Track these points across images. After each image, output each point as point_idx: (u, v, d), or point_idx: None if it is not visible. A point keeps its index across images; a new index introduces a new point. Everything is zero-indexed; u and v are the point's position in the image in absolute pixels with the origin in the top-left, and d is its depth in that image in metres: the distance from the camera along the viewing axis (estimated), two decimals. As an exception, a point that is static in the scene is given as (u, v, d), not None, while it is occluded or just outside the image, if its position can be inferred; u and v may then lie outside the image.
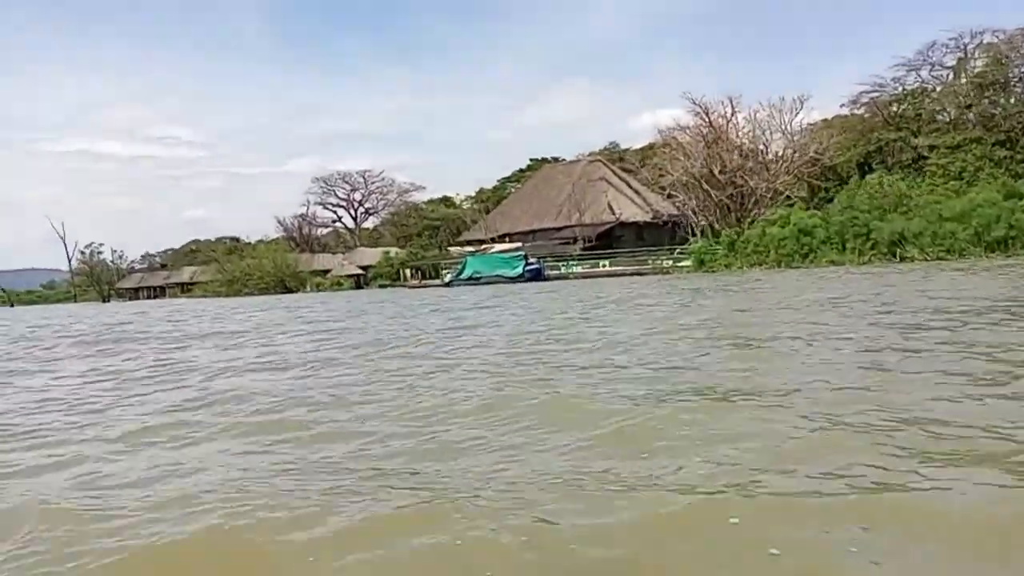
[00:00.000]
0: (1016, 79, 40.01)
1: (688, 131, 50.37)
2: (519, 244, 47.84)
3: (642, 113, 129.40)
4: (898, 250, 30.10)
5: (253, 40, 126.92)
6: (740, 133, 49.08)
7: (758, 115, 49.42)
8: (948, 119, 45.94)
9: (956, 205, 29.63)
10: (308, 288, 58.70)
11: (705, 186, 47.23)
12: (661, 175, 50.66)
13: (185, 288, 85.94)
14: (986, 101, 42.11)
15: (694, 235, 50.49)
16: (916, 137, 45.75)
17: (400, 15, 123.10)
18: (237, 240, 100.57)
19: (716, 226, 48.76)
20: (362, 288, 57.83)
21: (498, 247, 47.32)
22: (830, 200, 47.01)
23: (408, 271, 60.06)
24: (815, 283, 18.12)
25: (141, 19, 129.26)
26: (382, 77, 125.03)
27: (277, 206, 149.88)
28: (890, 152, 48.22)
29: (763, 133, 48.53)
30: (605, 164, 59.86)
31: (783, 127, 47.99)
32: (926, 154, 46.15)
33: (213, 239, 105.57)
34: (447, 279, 44.38)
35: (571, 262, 44.34)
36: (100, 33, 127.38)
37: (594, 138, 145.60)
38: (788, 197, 46.45)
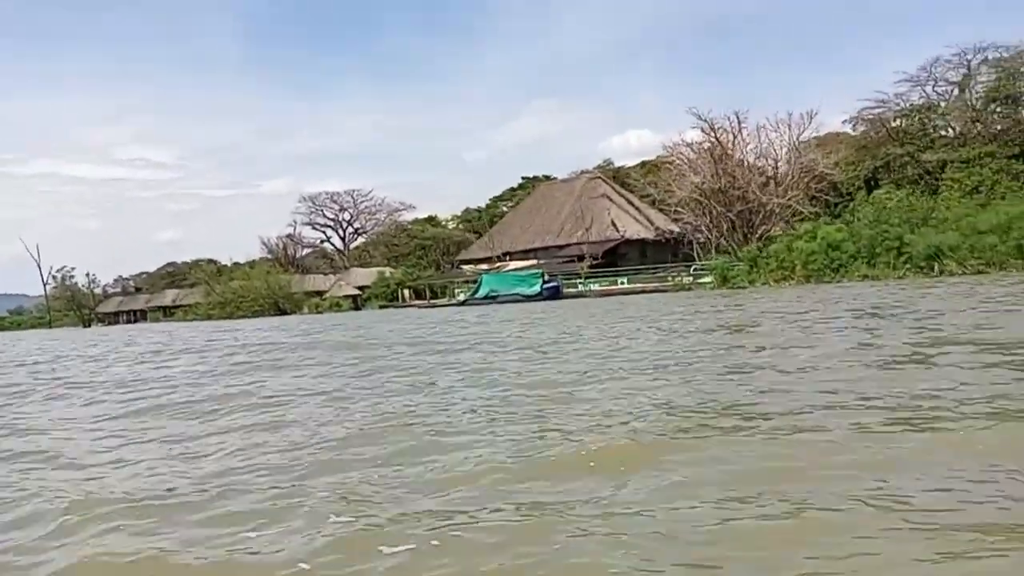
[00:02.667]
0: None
1: (693, 147, 50.06)
2: (534, 261, 46.86)
3: (614, 134, 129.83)
4: (936, 264, 29.62)
5: (228, 60, 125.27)
6: (746, 149, 48.86)
7: (763, 131, 49.34)
8: (954, 134, 46.08)
9: (991, 218, 29.23)
10: (305, 310, 57.01)
11: (713, 203, 46.79)
12: (668, 192, 50.15)
13: (167, 312, 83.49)
14: (997, 115, 42.26)
15: (702, 251, 50.07)
16: (923, 152, 45.74)
17: (374, 36, 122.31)
18: (215, 262, 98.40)
19: (724, 243, 48.37)
20: (360, 309, 56.28)
21: (513, 265, 46.29)
22: (837, 216, 46.73)
23: (406, 291, 58.70)
24: (921, 296, 17.27)
25: (114, 39, 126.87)
26: (357, 98, 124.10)
27: (252, 227, 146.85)
28: (896, 167, 48.21)
29: (771, 148, 48.25)
30: (605, 181, 59.34)
31: (791, 143, 47.74)
32: (931, 169, 46.24)
33: (190, 261, 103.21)
34: (461, 298, 43.22)
35: (588, 280, 43.42)
36: (71, 53, 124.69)
37: (568, 158, 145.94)
38: (797, 213, 46.15)
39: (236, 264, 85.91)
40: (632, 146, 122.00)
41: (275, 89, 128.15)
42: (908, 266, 30.71)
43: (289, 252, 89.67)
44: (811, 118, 47.82)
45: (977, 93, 44.65)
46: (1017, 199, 31.92)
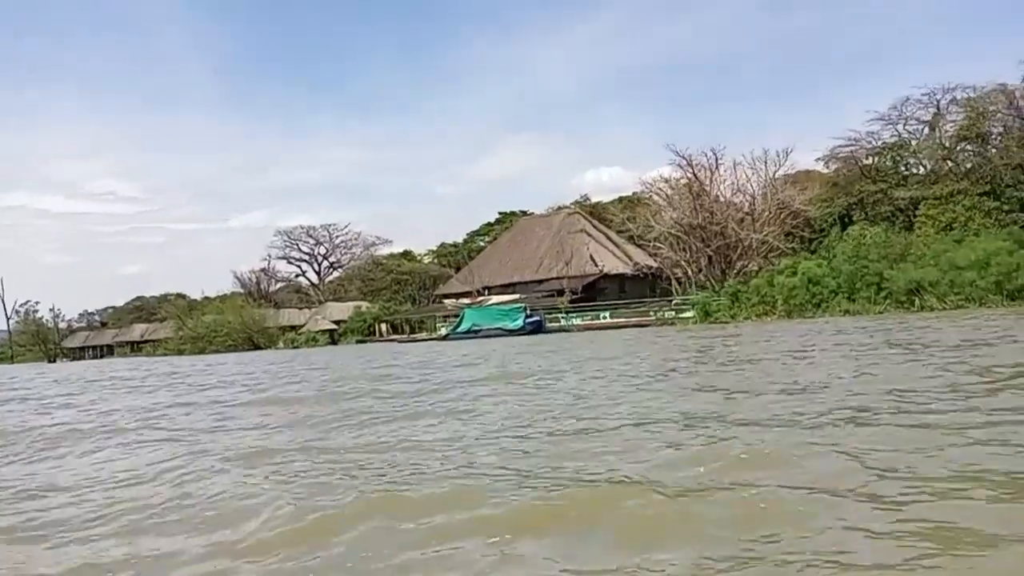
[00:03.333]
0: (996, 133, 41.19)
1: (671, 183, 50.52)
2: (516, 296, 46.57)
3: (586, 170, 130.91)
4: (916, 299, 29.87)
5: (204, 96, 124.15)
6: (723, 185, 49.38)
7: (739, 168, 49.97)
8: (925, 171, 47.01)
9: (969, 254, 29.61)
10: (281, 344, 55.97)
11: (692, 238, 47.07)
12: (648, 227, 50.38)
13: (135, 347, 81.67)
14: (967, 153, 43.24)
15: (679, 286, 50.23)
16: (896, 189, 46.56)
17: (349, 72, 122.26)
18: (184, 296, 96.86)
19: (702, 278, 48.57)
20: (337, 343, 55.42)
21: (495, 299, 45.94)
22: (813, 251, 47.22)
23: (383, 326, 58.07)
24: (907, 330, 17.23)
25: (92, 74, 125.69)
26: (331, 132, 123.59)
27: (223, 261, 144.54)
28: (869, 204, 48.99)
29: (747, 185, 48.83)
30: (584, 216, 59.53)
31: (767, 179, 48.37)
32: (903, 207, 47.05)
33: (159, 295, 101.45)
34: (443, 332, 42.69)
35: (570, 314, 43.19)
36: (49, 86, 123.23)
37: (541, 193, 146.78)
38: (774, 248, 46.57)
39: (207, 298, 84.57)
40: (604, 182, 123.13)
41: (250, 124, 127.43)
42: (888, 301, 30.95)
43: (262, 286, 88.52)
44: (786, 155, 48.62)
45: (947, 132, 45.66)
46: (991, 236, 32.38)
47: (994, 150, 40.61)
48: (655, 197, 52.45)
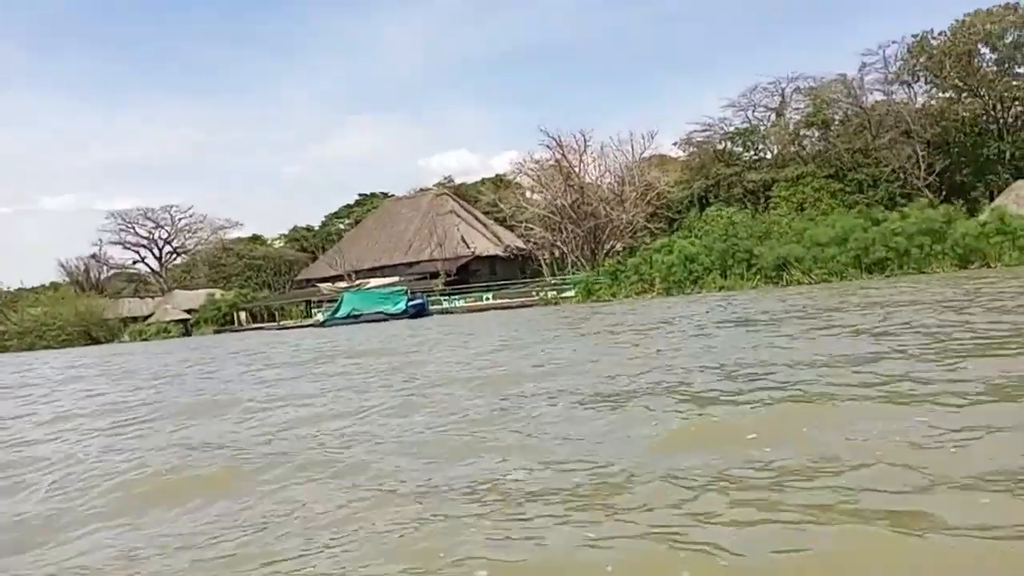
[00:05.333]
0: (838, 120, 44.82)
1: (541, 164, 50.99)
2: (396, 278, 45.08)
3: (434, 153, 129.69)
4: (784, 274, 31.85)
5: (7, 66, 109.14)
6: (593, 167, 50.48)
7: (607, 150, 51.30)
8: (773, 155, 50.38)
9: (828, 231, 31.92)
10: (127, 338, 51.02)
11: (564, 219, 47.78)
12: (520, 208, 50.58)
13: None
14: (813, 138, 46.76)
15: (549, 267, 50.98)
16: (748, 172, 49.57)
17: (178, 45, 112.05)
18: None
19: (574, 258, 49.52)
20: (190, 335, 51.38)
21: (374, 282, 44.22)
22: (674, 231, 49.31)
23: (243, 314, 54.60)
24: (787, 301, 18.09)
25: None
26: (161, 110, 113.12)
27: (35, 249, 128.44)
28: (724, 187, 51.83)
29: (615, 166, 50.20)
30: (453, 198, 58.84)
31: (633, 161, 49.96)
32: (753, 189, 50.30)
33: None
34: (320, 318, 40.50)
35: (453, 296, 42.43)
36: None
37: (389, 175, 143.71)
38: (641, 228, 48.27)
39: (24, 290, 75.66)
40: (451, 166, 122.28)
41: (64, 100, 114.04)
42: (759, 277, 32.82)
43: (92, 275, 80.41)
44: (651, 138, 50.45)
45: (792, 118, 49.16)
46: (844, 215, 35.09)
47: (836, 136, 44.09)
48: (526, 178, 52.79)
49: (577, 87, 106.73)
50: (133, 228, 76.69)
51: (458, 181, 74.81)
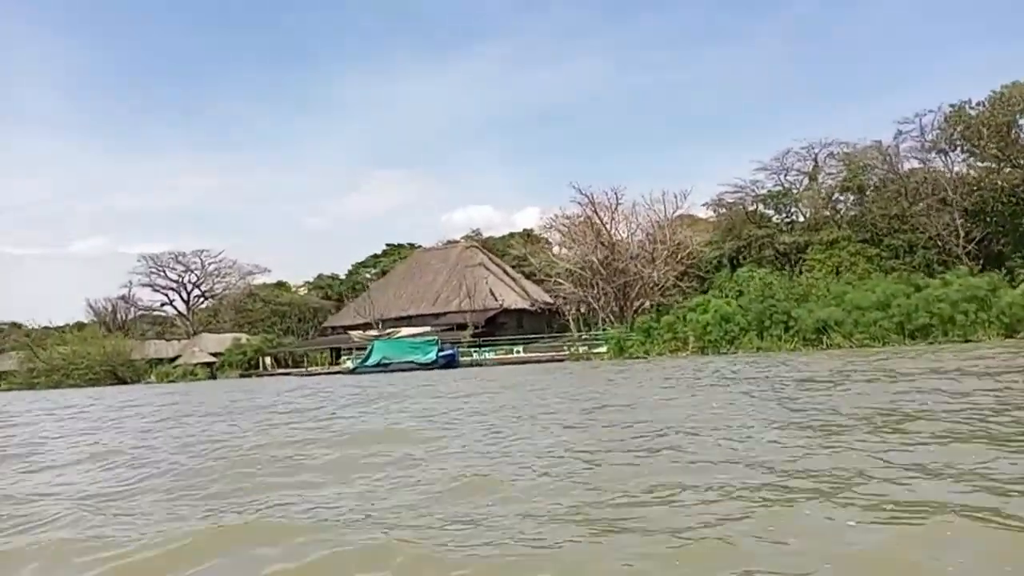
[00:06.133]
0: (872, 186, 44.71)
1: (573, 220, 51.12)
2: (427, 328, 44.95)
3: (455, 208, 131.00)
4: (824, 337, 31.34)
5: (40, 113, 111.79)
6: (621, 225, 50.56)
7: (639, 208, 51.45)
8: (805, 219, 50.20)
9: (870, 296, 31.49)
10: (153, 378, 51.06)
11: (595, 275, 47.63)
12: (550, 264, 50.57)
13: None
14: (848, 203, 46.65)
15: (577, 323, 50.58)
16: (781, 235, 49.37)
17: (206, 99, 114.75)
18: (19, 326, 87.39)
19: (603, 314, 49.17)
20: (215, 378, 51.30)
21: (404, 331, 44.12)
22: (704, 291, 48.92)
23: (267, 359, 54.59)
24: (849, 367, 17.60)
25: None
26: (188, 159, 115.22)
27: (63, 290, 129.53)
28: (755, 248, 51.56)
29: (647, 224, 50.25)
30: (481, 250, 59.06)
31: (665, 219, 50.01)
32: (785, 251, 50.01)
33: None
34: (351, 365, 40.33)
35: (484, 348, 42.15)
36: None
37: (411, 228, 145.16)
38: (670, 286, 47.97)
39: (48, 329, 76.27)
40: (474, 220, 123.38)
41: (94, 147, 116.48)
42: (797, 339, 32.31)
43: (119, 315, 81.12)
44: (684, 197, 50.62)
45: (824, 183, 49.11)
46: (886, 280, 34.64)
47: (872, 201, 43.92)
48: (556, 233, 52.93)
49: (600, 149, 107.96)
50: (164, 271, 77.58)
51: (499, 235, 75.25)
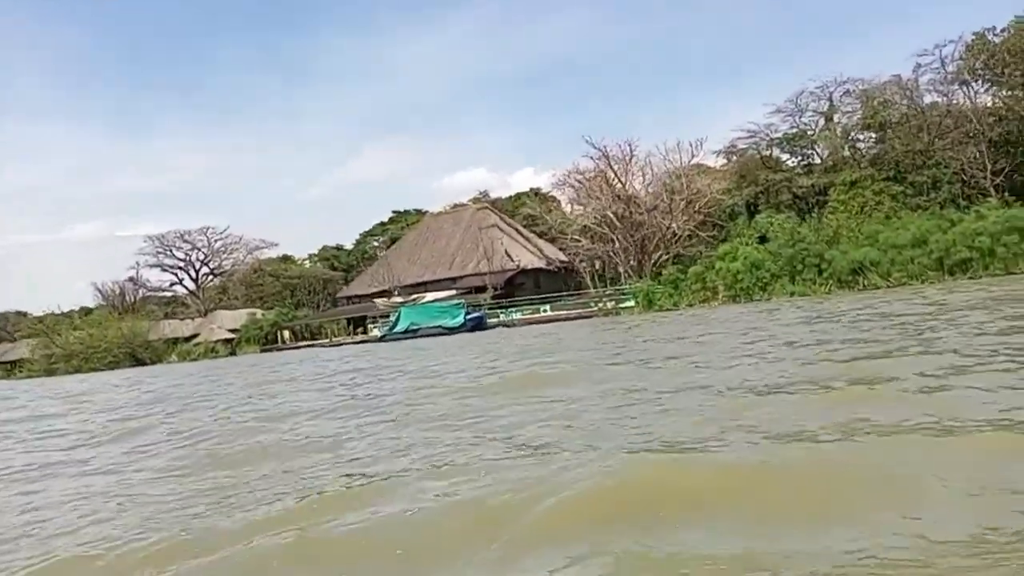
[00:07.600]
0: (893, 122, 43.72)
1: (587, 176, 50.24)
2: (453, 292, 44.47)
3: (454, 172, 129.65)
4: (860, 278, 30.84)
5: (32, 97, 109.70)
6: (641, 176, 49.75)
7: (652, 160, 50.55)
8: (822, 160, 49.36)
9: (905, 234, 30.92)
10: (174, 358, 50.70)
11: (612, 230, 46.97)
12: (566, 221, 49.90)
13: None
14: (870, 141, 45.76)
15: (593, 280, 50.00)
16: (800, 178, 48.59)
17: (202, 73, 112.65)
18: (25, 314, 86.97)
19: (620, 270, 48.66)
20: (235, 354, 50.96)
21: (429, 296, 43.65)
22: (723, 240, 48.30)
23: (286, 333, 54.24)
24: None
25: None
26: (183, 137, 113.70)
27: (64, 275, 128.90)
28: (773, 193, 50.81)
29: (663, 175, 49.42)
30: (494, 211, 58.30)
31: (680, 169, 49.14)
32: (802, 195, 49.27)
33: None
34: (379, 333, 39.91)
35: (510, 310, 41.70)
36: None
37: (410, 195, 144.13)
38: (690, 237, 47.30)
39: (53, 314, 75.71)
40: (473, 183, 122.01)
41: (92, 129, 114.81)
42: (832, 282, 31.81)
43: (127, 298, 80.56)
44: (700, 145, 49.70)
45: (840, 122, 48.12)
46: (907, 216, 34.09)
47: (894, 138, 43.03)
48: (568, 190, 52.10)
49: (597, 105, 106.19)
50: (170, 250, 76.86)
51: (507, 194, 74.17)
